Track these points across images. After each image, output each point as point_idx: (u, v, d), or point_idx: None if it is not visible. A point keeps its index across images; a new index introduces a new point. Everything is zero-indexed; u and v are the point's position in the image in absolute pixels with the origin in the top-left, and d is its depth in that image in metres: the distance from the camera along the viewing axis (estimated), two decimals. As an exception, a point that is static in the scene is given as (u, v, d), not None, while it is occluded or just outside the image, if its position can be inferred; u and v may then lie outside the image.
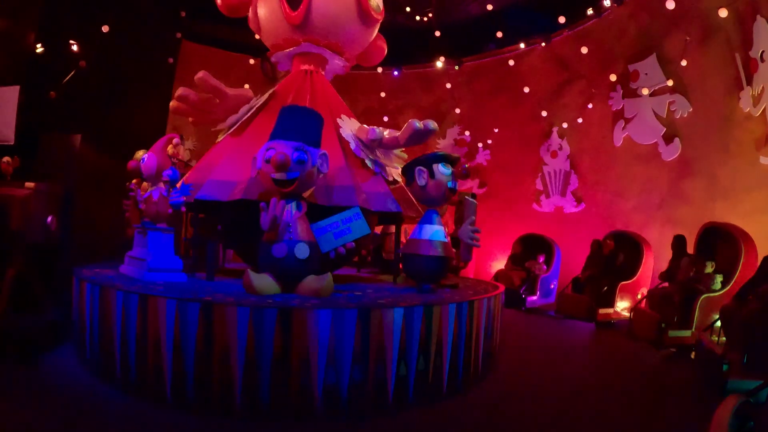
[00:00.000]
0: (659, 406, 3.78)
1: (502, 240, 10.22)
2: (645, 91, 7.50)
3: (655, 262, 7.36)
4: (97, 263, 4.90)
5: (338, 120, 4.72)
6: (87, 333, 3.88)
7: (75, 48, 6.33)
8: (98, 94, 6.47)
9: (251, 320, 3.20)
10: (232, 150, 4.72)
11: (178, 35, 8.21)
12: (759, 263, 4.85)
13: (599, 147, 9.24)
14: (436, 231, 4.16)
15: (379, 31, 6.19)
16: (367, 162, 4.49)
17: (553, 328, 7.01)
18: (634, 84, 8.25)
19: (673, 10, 6.91)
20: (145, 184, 4.29)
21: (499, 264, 10.08)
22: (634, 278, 7.14)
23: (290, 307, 3.22)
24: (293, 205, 3.61)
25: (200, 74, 4.78)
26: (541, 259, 8.72)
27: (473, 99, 11.47)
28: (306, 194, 3.85)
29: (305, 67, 5.70)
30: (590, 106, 9.21)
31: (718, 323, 4.47)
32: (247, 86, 6.03)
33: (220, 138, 5.29)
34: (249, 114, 5.21)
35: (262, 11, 5.57)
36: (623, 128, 8.61)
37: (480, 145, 11.35)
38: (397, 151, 4.87)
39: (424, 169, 4.19)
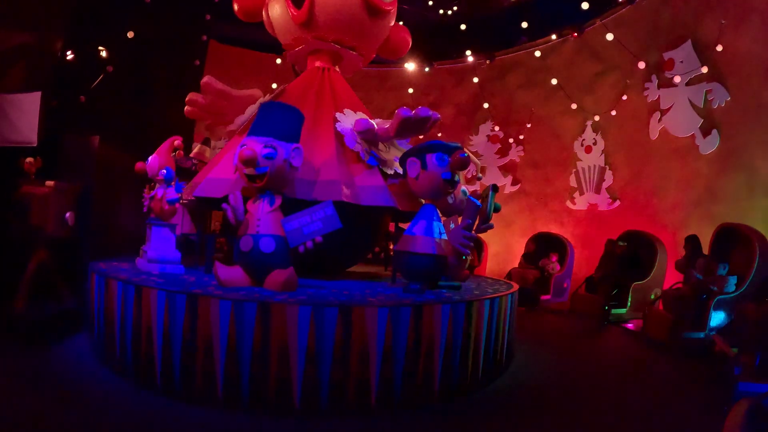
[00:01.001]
0: (670, 409, 3.67)
1: (536, 240, 9.90)
2: (677, 79, 7.02)
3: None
4: (116, 257, 5.15)
5: (337, 114, 4.69)
6: (95, 321, 4.08)
7: (103, 54, 6.65)
8: (125, 97, 6.78)
9: (233, 313, 3.26)
10: (233, 149, 4.81)
11: (204, 38, 8.49)
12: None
13: (635, 141, 8.76)
14: (431, 227, 3.92)
15: (409, 26, 6.11)
16: (362, 155, 4.40)
17: (565, 327, 6.90)
18: (670, 73, 7.76)
19: (707, -9, 6.49)
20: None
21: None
22: (648, 279, 6.97)
23: (269, 302, 3.24)
24: (266, 199, 3.63)
25: (205, 79, 4.97)
26: (555, 258, 8.55)
27: (505, 93, 11.19)
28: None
29: (319, 64, 5.73)
30: (624, 97, 8.74)
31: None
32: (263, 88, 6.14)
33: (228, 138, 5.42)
34: (255, 113, 5.30)
35: (272, 13, 5.65)
36: (659, 120, 8.12)
37: (511, 140, 11.05)
38: (397, 143, 4.75)
39: (416, 160, 3.96)
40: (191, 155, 6.21)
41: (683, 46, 7.54)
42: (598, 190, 9.48)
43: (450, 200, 5.03)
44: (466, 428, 3.20)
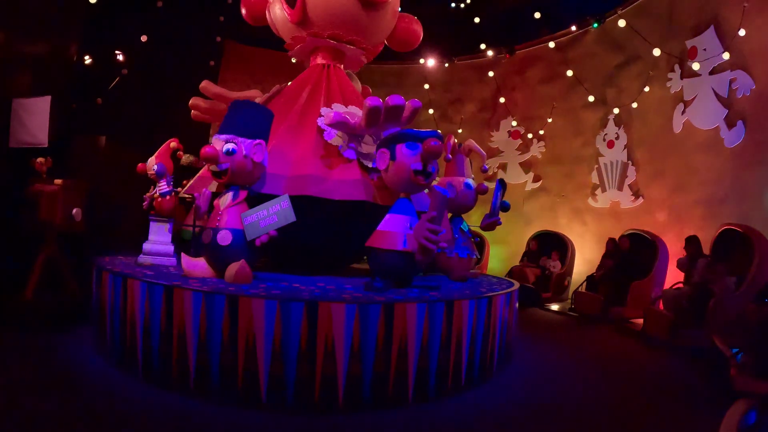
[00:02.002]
0: (668, 409, 3.65)
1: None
2: (696, 66, 6.64)
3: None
4: (123, 252, 5.37)
5: (323, 109, 4.70)
6: (94, 311, 4.26)
7: (119, 57, 6.95)
8: (140, 99, 7.05)
9: (204, 305, 3.33)
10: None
11: (218, 39, 8.72)
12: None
13: (658, 134, 8.36)
14: (401, 222, 3.75)
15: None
16: (341, 150, 4.37)
17: (566, 327, 6.80)
18: (693, 62, 7.35)
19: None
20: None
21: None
22: (648, 278, 6.82)
23: (235, 295, 3.29)
24: (231, 194, 3.71)
25: (202, 84, 5.13)
26: (555, 257, 8.41)
27: (526, 88, 10.93)
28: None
29: (321, 61, 5.75)
30: (647, 89, 8.36)
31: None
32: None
33: None
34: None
35: (273, 15, 5.72)
36: (683, 112, 7.71)
37: (530, 135, 10.79)
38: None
39: (386, 151, 3.78)
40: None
41: (706, 32, 7.12)
42: (620, 187, 9.11)
43: (451, 195, 4.91)
44: None
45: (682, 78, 7.67)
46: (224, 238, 3.58)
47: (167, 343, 3.40)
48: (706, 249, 5.96)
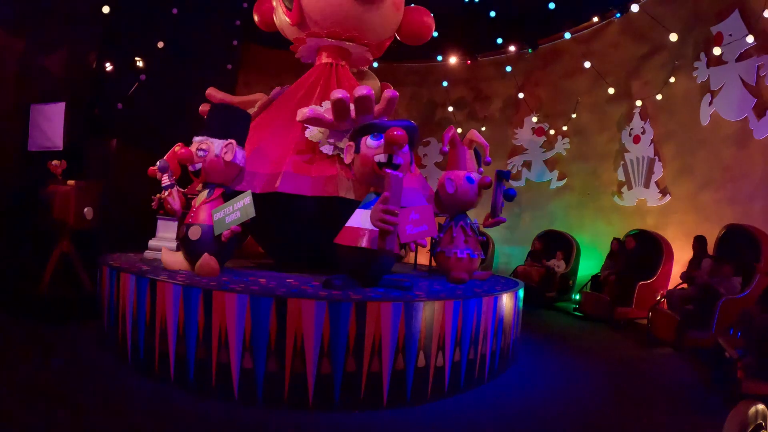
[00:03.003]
0: (672, 410, 3.62)
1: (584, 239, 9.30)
2: (716, 50, 6.27)
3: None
4: (133, 250, 5.61)
5: (311, 107, 4.72)
6: (99, 305, 4.47)
7: (140, 63, 7.26)
8: (158, 103, 7.33)
9: (182, 298, 3.42)
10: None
11: (235, 42, 8.94)
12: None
13: (685, 128, 7.93)
14: (364, 218, 3.56)
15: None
16: (320, 146, 4.37)
17: (570, 327, 6.66)
18: (719, 49, 6.92)
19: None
20: None
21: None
22: (654, 278, 6.64)
23: (210, 288, 3.37)
24: (206, 192, 3.87)
25: (208, 91, 5.28)
26: (560, 256, 8.19)
27: (549, 84, 10.63)
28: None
29: (326, 60, 5.78)
30: (672, 80, 7.94)
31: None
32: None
33: None
34: (254, 112, 5.51)
35: (277, 20, 5.83)
36: (710, 103, 7.28)
37: (552, 132, 10.48)
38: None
39: (352, 144, 3.69)
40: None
41: (731, 17, 6.70)
42: (647, 184, 8.69)
43: (450, 189, 4.79)
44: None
45: (708, 67, 7.25)
46: (194, 233, 3.72)
47: (151, 334, 3.51)
48: (710, 248, 5.78)
